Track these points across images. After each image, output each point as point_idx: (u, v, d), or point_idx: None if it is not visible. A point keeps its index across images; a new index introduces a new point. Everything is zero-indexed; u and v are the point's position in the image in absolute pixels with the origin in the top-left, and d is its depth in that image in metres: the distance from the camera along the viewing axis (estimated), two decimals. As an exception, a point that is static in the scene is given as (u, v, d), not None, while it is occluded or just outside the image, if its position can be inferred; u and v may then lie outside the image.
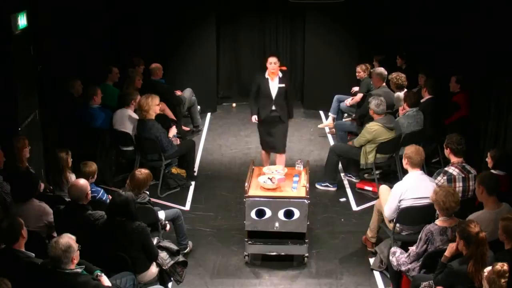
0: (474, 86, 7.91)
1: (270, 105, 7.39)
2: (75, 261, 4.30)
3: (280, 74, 7.35)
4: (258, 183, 6.27)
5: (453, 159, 6.05)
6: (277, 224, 6.00)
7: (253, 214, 6.00)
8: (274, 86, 7.32)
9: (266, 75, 7.35)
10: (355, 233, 6.82)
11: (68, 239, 4.28)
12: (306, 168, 6.64)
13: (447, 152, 6.12)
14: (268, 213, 5.99)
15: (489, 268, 4.01)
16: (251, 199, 6.01)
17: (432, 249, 4.99)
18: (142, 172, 5.73)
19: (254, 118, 7.52)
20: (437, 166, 7.75)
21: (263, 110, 7.45)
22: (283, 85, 7.35)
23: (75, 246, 4.30)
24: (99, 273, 4.58)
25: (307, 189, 6.13)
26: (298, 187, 6.25)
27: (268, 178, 6.27)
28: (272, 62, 7.23)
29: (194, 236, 6.71)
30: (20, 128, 6.29)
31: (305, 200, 5.98)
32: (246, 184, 6.18)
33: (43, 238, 5.20)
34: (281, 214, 5.97)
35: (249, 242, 6.15)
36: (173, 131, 8.12)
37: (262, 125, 7.59)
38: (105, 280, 4.56)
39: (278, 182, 6.22)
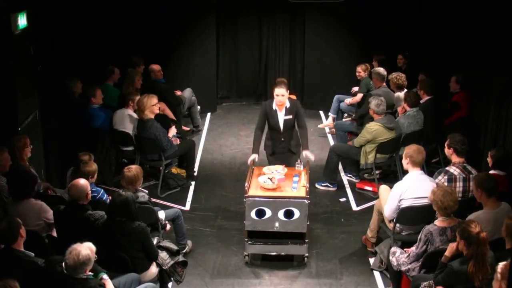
0: (474, 86, 7.91)
1: (279, 137, 6.86)
2: (88, 272, 4.30)
3: (288, 104, 6.70)
4: (258, 183, 6.21)
5: (455, 159, 6.04)
6: (277, 224, 5.97)
7: (253, 214, 5.97)
8: (282, 117, 6.75)
9: (274, 106, 6.73)
10: (355, 233, 6.82)
11: (90, 251, 4.26)
12: (306, 168, 6.57)
13: (450, 152, 6.09)
14: (268, 213, 5.96)
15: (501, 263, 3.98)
16: (251, 199, 5.97)
17: (432, 249, 4.99)
18: (130, 170, 5.74)
19: (253, 159, 6.72)
20: (437, 166, 7.75)
21: (272, 142, 6.96)
22: (289, 116, 6.72)
23: (93, 257, 4.29)
24: (104, 277, 4.55)
25: (307, 189, 6.08)
26: (298, 187, 6.19)
27: (268, 178, 6.21)
28: (280, 95, 6.57)
29: (194, 236, 6.72)
30: (20, 128, 6.29)
31: (305, 200, 5.94)
32: (246, 184, 6.13)
33: (42, 238, 5.20)
34: (281, 214, 5.94)
35: (249, 242, 6.12)
36: (172, 131, 8.12)
37: (273, 157, 7.01)
38: (109, 285, 4.55)
39: (278, 182, 6.17)
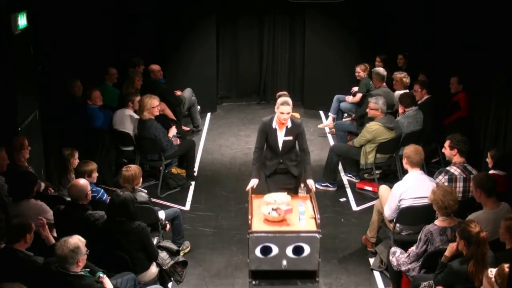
0: (474, 86, 7.91)
1: (277, 159, 6.27)
2: (81, 265, 4.31)
3: (289, 124, 6.09)
4: (261, 214, 5.45)
5: (457, 159, 6.03)
6: (284, 262, 5.23)
7: (257, 252, 5.22)
8: (281, 138, 6.16)
9: (274, 125, 6.13)
10: (355, 233, 6.82)
11: (78, 240, 4.30)
12: (311, 195, 5.85)
13: (453, 152, 6.05)
14: (275, 250, 5.21)
15: (493, 269, 3.98)
16: (255, 234, 5.20)
17: (432, 249, 4.99)
18: (128, 169, 5.75)
19: (252, 185, 6.04)
20: (437, 166, 7.75)
21: (269, 163, 6.32)
22: (290, 138, 6.13)
23: (84, 249, 4.31)
24: (101, 275, 4.57)
25: (318, 221, 5.36)
26: (305, 218, 5.46)
27: (273, 209, 5.45)
28: (285, 113, 5.96)
29: (194, 236, 6.72)
30: (20, 128, 6.29)
31: (317, 235, 5.23)
32: (249, 217, 5.37)
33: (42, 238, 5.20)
34: (289, 251, 5.22)
35: (253, 282, 5.35)
36: (172, 131, 8.12)
37: (270, 178, 6.39)
38: (107, 282, 4.56)
39: (285, 214, 5.41)
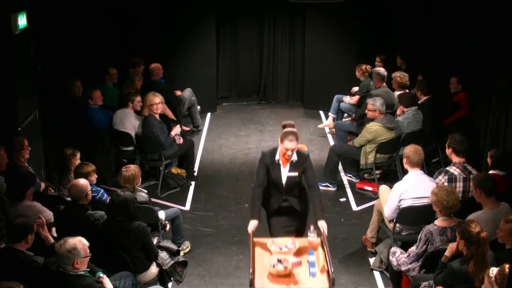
0: (474, 86, 7.91)
1: (280, 196, 5.48)
2: (79, 267, 4.29)
3: (295, 158, 5.28)
4: (264, 266, 4.74)
5: (455, 159, 6.04)
6: None
7: None
8: (285, 174, 5.37)
9: (277, 158, 5.33)
10: (355, 233, 6.82)
11: (78, 242, 4.29)
12: (322, 239, 5.04)
13: (449, 151, 6.10)
14: None
15: (494, 269, 3.99)
16: None
17: (432, 249, 4.99)
18: (128, 169, 5.76)
19: (253, 229, 5.21)
20: (437, 166, 7.76)
21: (272, 200, 5.53)
22: (295, 173, 5.33)
23: (83, 252, 4.29)
24: (101, 275, 4.58)
25: (332, 276, 4.55)
26: (317, 272, 4.72)
27: (278, 260, 4.70)
28: (290, 149, 5.16)
29: (194, 236, 6.72)
30: (20, 128, 6.30)
31: None
32: (251, 270, 4.68)
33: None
34: None
35: None
36: (176, 129, 8.11)
37: (273, 218, 5.60)
38: (107, 283, 4.57)
39: (292, 268, 4.69)
